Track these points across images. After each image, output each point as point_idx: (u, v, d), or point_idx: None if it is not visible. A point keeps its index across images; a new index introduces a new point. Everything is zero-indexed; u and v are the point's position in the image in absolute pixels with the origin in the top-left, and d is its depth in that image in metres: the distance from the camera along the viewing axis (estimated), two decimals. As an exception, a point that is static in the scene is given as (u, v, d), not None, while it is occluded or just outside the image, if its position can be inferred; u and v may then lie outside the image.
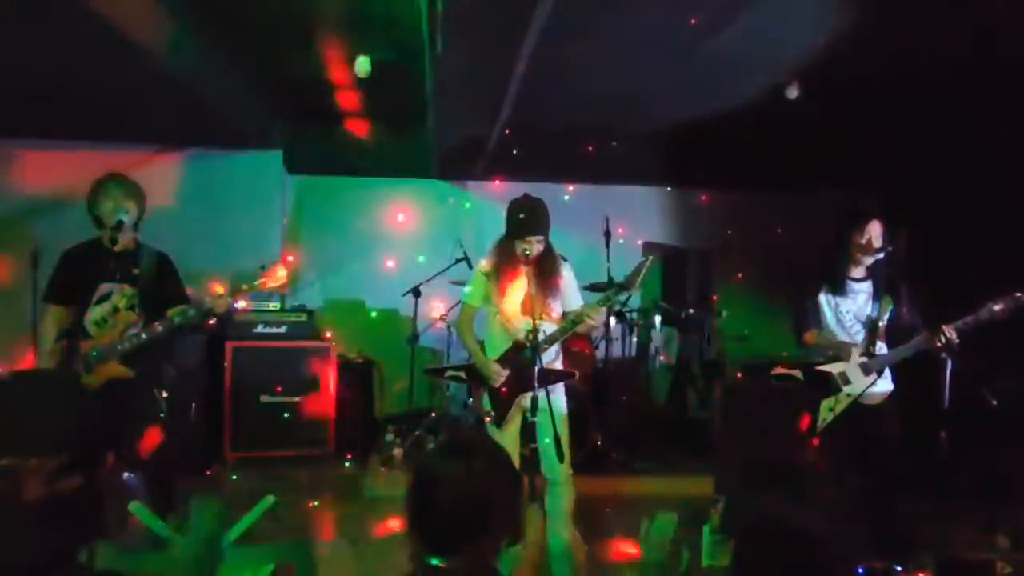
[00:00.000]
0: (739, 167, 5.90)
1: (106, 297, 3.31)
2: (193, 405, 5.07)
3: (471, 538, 1.33)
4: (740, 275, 6.37)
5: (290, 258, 6.00)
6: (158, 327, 3.24)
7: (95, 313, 3.30)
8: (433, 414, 5.36)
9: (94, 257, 3.34)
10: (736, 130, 4.89)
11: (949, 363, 3.21)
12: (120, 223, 3.29)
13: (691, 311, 5.76)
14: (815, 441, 3.35)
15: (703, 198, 6.62)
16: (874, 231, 3.38)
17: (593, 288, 4.41)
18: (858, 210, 3.50)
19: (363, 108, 4.66)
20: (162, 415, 3.36)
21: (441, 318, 5.61)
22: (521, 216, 3.17)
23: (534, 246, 3.13)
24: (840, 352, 3.40)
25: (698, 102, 4.45)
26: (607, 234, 4.97)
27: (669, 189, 6.73)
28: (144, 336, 3.25)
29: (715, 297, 6.27)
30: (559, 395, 3.23)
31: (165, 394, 3.44)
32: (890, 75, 3.91)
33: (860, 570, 2.73)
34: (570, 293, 3.32)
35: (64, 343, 3.30)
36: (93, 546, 1.14)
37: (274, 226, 5.89)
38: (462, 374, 3.45)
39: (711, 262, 6.36)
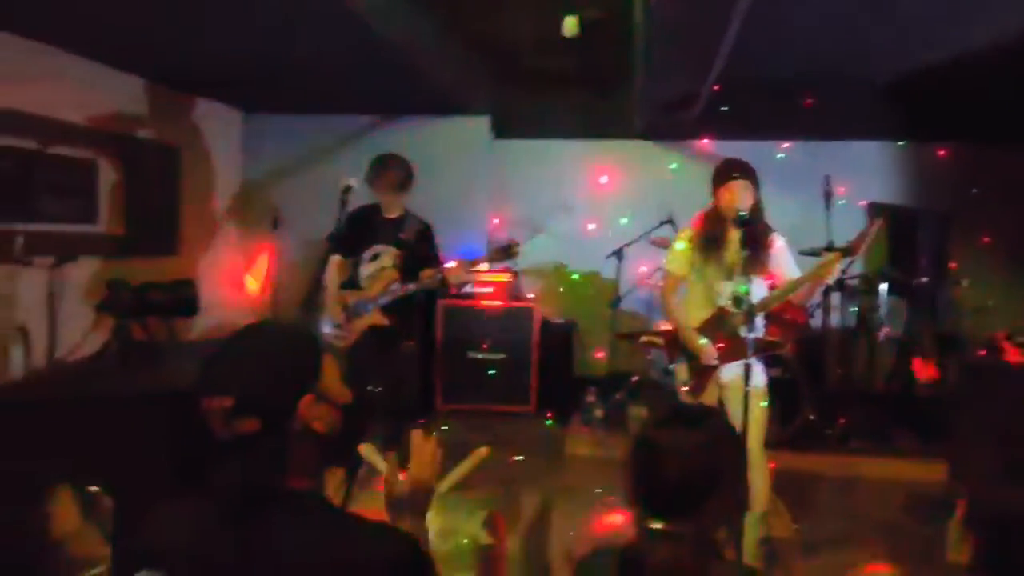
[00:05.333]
0: (985, 117, 5.17)
1: (377, 256, 3.85)
2: (413, 357, 5.49)
3: (698, 504, 1.31)
4: (985, 240, 5.63)
5: (496, 221, 6.20)
6: (411, 286, 3.73)
7: (368, 269, 3.84)
8: (635, 379, 5.33)
9: (371, 219, 3.89)
10: (982, 75, 4.27)
11: None
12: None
13: (923, 280, 5.19)
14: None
15: (940, 153, 5.90)
16: None
17: (808, 253, 4.10)
18: None
19: (570, 69, 4.64)
20: (409, 362, 3.84)
21: (645, 281, 5.54)
22: (728, 163, 3.10)
23: (742, 194, 2.98)
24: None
25: (939, 43, 3.92)
26: (827, 195, 4.58)
27: (900, 144, 6.06)
28: (400, 293, 3.73)
29: (954, 265, 5.60)
30: (759, 368, 3.07)
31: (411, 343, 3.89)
32: None
33: None
34: (783, 260, 3.13)
35: (341, 293, 3.88)
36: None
37: (481, 191, 6.11)
38: (659, 340, 3.43)
39: (948, 225, 5.67)
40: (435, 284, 3.73)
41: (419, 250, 3.87)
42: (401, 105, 5.73)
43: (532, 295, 5.82)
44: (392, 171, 3.83)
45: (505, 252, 3.75)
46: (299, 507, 1.23)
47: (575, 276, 6.34)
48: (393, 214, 3.90)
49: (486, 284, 5.61)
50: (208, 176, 5.89)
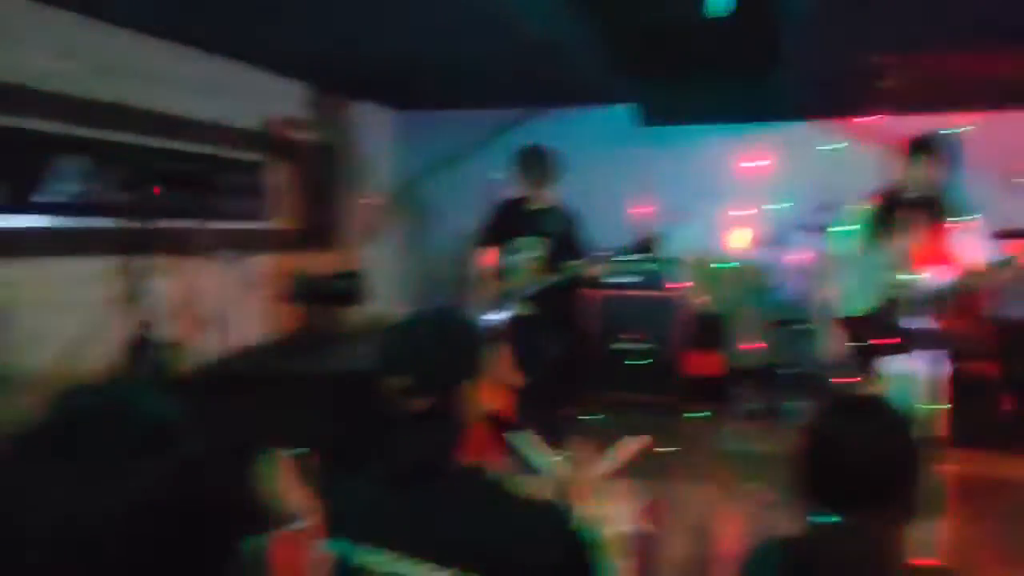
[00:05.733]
0: None
1: (523, 248, 3.92)
2: (552, 348, 5.55)
3: (879, 497, 1.23)
4: None
5: (642, 209, 6.11)
6: (555, 277, 3.78)
7: (513, 260, 3.91)
8: (789, 370, 5.09)
9: (517, 211, 3.96)
10: None
11: None
12: (533, 183, 3.78)
13: None
14: None
15: None
16: None
17: (1000, 235, 3.72)
18: None
19: (719, 51, 4.48)
20: (558, 351, 3.89)
21: (801, 268, 5.27)
22: (915, 139, 2.90)
23: (925, 171, 2.75)
24: None
25: None
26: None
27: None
28: (545, 283, 3.79)
29: None
30: (934, 359, 2.83)
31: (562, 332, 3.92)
32: None
33: None
34: (969, 244, 2.85)
35: (490, 283, 3.98)
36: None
37: (628, 180, 6.04)
38: (815, 328, 3.25)
39: None
40: (578, 275, 3.75)
41: (565, 241, 3.90)
42: (548, 97, 5.78)
43: (680, 284, 5.69)
44: (537, 162, 3.87)
45: (645, 243, 3.70)
46: (468, 484, 1.28)
47: (725, 265, 6.13)
48: (538, 205, 3.94)
49: (634, 274, 5.55)
50: (364, 173, 6.22)
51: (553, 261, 3.85)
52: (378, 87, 5.79)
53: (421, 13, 3.67)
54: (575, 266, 3.74)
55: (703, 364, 5.47)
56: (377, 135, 6.37)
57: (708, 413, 5.17)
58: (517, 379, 1.37)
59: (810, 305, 5.45)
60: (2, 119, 3.34)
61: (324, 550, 1.06)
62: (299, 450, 1.05)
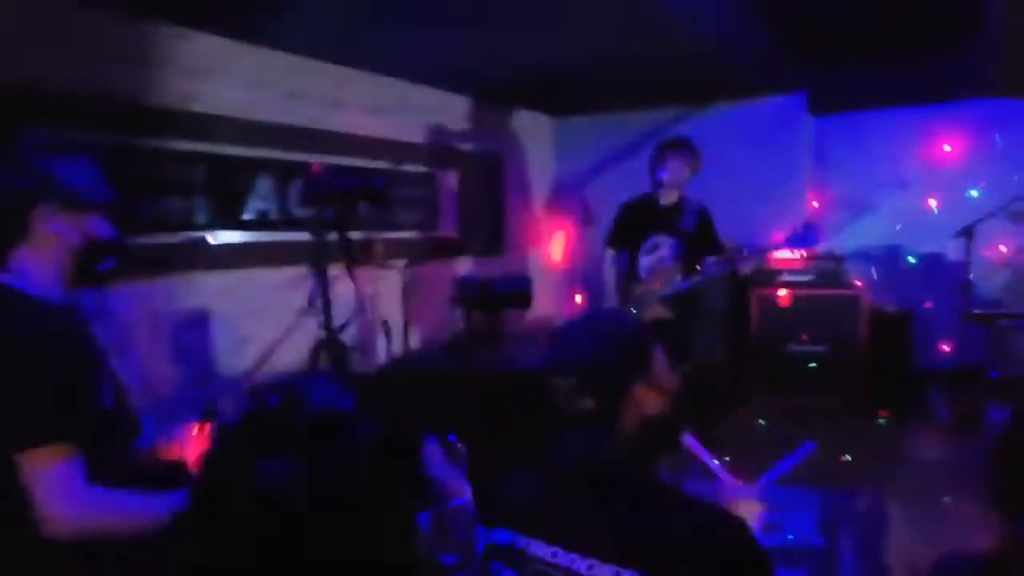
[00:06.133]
0: None
1: (656, 247, 3.79)
2: (718, 350, 5.38)
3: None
4: None
5: (815, 204, 5.79)
6: (696, 278, 3.61)
7: (645, 261, 3.81)
8: (987, 372, 4.60)
9: (646, 210, 3.85)
10: None
11: None
12: (661, 179, 3.68)
13: None
14: None
15: None
16: None
17: None
18: None
19: (900, 27, 4.15)
20: (693, 357, 3.73)
21: (1003, 262, 4.77)
22: None
23: None
24: None
25: None
26: None
27: None
28: (684, 284, 3.58)
29: None
30: None
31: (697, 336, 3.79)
32: None
33: None
34: None
35: (624, 285, 3.91)
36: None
37: (800, 172, 5.74)
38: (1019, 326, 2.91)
39: None
40: (723, 274, 3.58)
41: (699, 237, 3.74)
42: (710, 92, 5.62)
43: (860, 281, 5.32)
44: (680, 154, 3.74)
45: (802, 238, 3.46)
46: (635, 483, 1.30)
47: (912, 259, 5.65)
48: (670, 201, 3.79)
49: (805, 271, 5.26)
50: (526, 180, 6.37)
51: (688, 259, 3.71)
52: (537, 95, 5.91)
53: (580, 17, 3.71)
54: (715, 265, 3.58)
55: (887, 366, 5.08)
56: (538, 142, 6.50)
57: (893, 419, 4.80)
58: (674, 381, 1.37)
59: (1016, 301, 4.93)
60: (211, 147, 3.79)
61: (480, 533, 1.18)
62: (456, 440, 1.17)
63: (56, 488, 1.36)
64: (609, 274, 3.96)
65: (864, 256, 5.68)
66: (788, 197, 5.64)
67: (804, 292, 5.23)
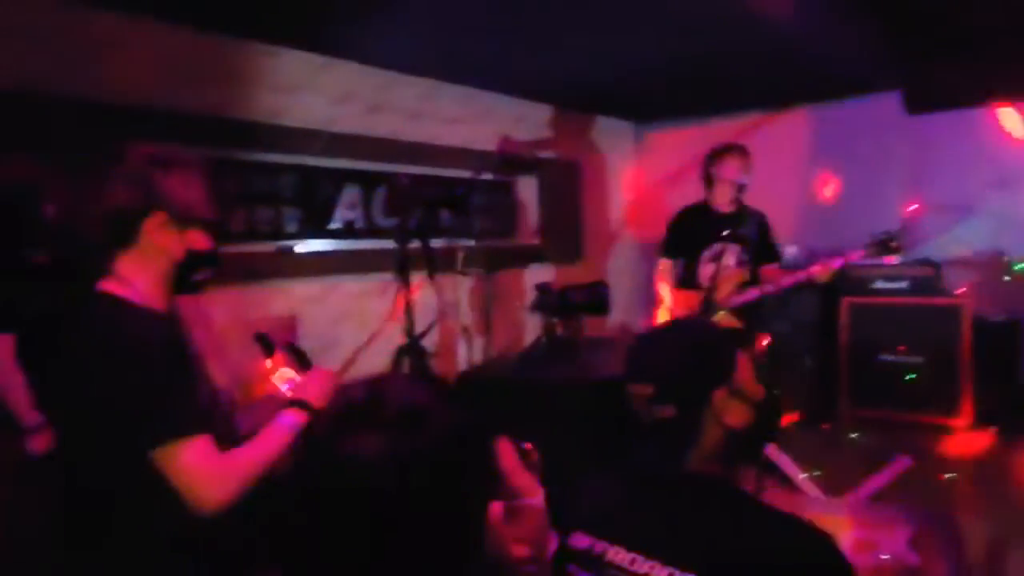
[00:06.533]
0: None
1: (718, 255, 3.68)
2: (806, 360, 5.18)
3: None
4: None
5: (912, 206, 5.51)
6: (768, 287, 3.50)
7: (708, 269, 3.69)
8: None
9: (704, 217, 3.74)
10: None
11: None
12: (723, 185, 3.60)
13: None
14: None
15: None
16: None
17: None
18: None
19: (1005, 17, 3.91)
20: (762, 367, 3.59)
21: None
22: None
23: None
24: None
25: None
26: None
27: None
28: (756, 294, 3.52)
29: None
30: None
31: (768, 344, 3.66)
32: None
33: None
34: None
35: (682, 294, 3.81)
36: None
37: (894, 174, 5.49)
38: None
39: None
40: (798, 283, 3.44)
41: (760, 244, 3.63)
42: (798, 95, 5.45)
43: (961, 289, 5.03)
44: (738, 156, 3.63)
45: (883, 246, 3.27)
46: (715, 493, 1.27)
47: (1019, 265, 5.30)
48: (727, 209, 3.68)
49: (899, 278, 5.02)
50: (605, 187, 6.33)
51: (754, 266, 3.60)
52: (619, 102, 5.87)
53: (667, 21, 3.66)
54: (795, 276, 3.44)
55: (991, 379, 4.77)
56: (618, 149, 6.46)
57: (999, 435, 4.51)
58: (758, 391, 1.33)
59: None
60: (299, 159, 3.94)
61: (549, 532, 1.22)
62: (531, 445, 1.20)
63: (201, 472, 1.45)
64: (659, 283, 3.85)
65: (964, 262, 5.37)
66: (882, 201, 5.40)
67: (899, 300, 4.99)
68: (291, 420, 1.60)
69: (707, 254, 3.70)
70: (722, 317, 3.59)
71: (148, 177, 1.57)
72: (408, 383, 0.97)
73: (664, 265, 3.88)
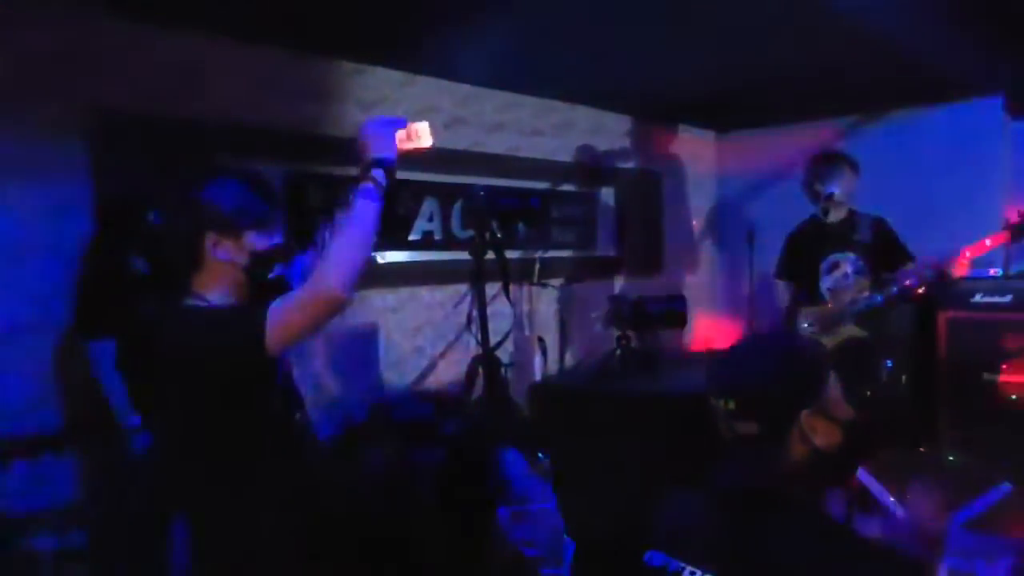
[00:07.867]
0: None
1: (836, 266, 3.61)
2: (903, 377, 4.93)
3: None
4: None
5: (1016, 214, 5.18)
6: (892, 290, 3.43)
7: (827, 282, 3.63)
8: None
9: (816, 232, 3.68)
10: None
11: None
12: (831, 195, 3.47)
13: None
14: None
15: None
16: None
17: None
18: None
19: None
20: (883, 380, 3.48)
21: None
22: None
23: None
24: None
25: None
26: None
27: None
28: (879, 298, 3.44)
29: None
30: None
31: (889, 362, 3.50)
32: None
33: None
34: None
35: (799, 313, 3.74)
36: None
37: (995, 182, 5.19)
38: None
39: None
40: (925, 281, 3.30)
41: (881, 249, 3.53)
42: (889, 99, 5.23)
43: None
44: (844, 165, 3.51)
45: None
46: (798, 515, 1.22)
47: None
48: (840, 217, 3.58)
49: (1002, 291, 4.72)
50: (685, 198, 6.22)
51: (875, 273, 3.46)
52: (699, 112, 5.77)
53: (751, 29, 3.58)
54: (909, 273, 3.34)
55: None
56: (699, 159, 6.34)
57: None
58: (848, 411, 1.27)
59: None
60: (382, 173, 4.03)
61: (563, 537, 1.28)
62: (545, 457, 1.25)
63: (303, 292, 1.57)
64: (782, 303, 3.83)
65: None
66: (982, 211, 5.11)
67: (1002, 315, 4.69)
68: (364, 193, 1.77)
69: (824, 267, 3.66)
70: (848, 327, 3.53)
71: (191, 197, 1.63)
72: (411, 399, 1.08)
73: (782, 287, 3.86)
